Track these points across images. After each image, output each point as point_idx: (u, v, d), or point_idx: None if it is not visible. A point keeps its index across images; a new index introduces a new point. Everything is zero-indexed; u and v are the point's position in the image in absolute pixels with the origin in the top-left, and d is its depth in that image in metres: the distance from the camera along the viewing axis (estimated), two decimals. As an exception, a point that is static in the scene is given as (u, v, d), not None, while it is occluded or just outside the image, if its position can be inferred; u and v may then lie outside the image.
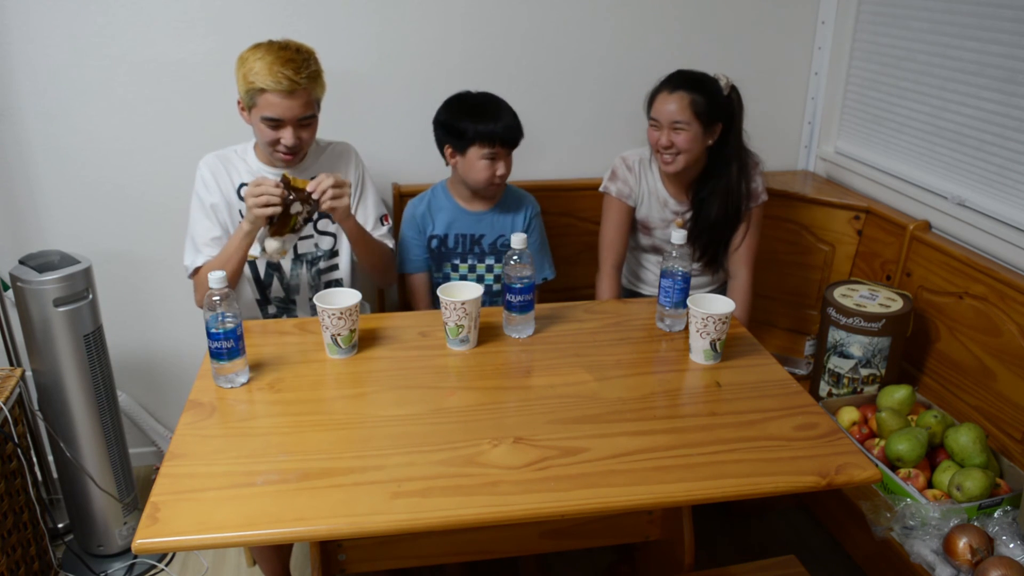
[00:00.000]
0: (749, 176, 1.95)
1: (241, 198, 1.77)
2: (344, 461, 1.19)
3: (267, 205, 1.54)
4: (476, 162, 1.81)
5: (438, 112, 1.86)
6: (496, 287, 1.97)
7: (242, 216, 1.77)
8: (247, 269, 1.82)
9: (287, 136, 1.65)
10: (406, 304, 2.31)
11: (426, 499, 1.11)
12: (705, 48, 2.28)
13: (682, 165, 1.86)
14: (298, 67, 1.60)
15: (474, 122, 1.78)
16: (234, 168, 1.78)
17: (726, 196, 1.93)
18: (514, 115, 1.82)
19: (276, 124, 1.64)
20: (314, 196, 1.57)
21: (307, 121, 1.67)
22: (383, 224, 1.89)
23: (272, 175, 1.78)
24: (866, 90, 2.27)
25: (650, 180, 2.00)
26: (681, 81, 1.83)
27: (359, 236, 1.75)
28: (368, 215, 1.86)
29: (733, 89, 1.90)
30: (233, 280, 1.71)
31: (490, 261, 1.95)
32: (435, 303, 2.06)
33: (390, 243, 1.90)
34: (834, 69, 2.36)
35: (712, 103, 1.82)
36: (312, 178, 1.59)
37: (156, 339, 2.29)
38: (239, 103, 1.70)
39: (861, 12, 2.25)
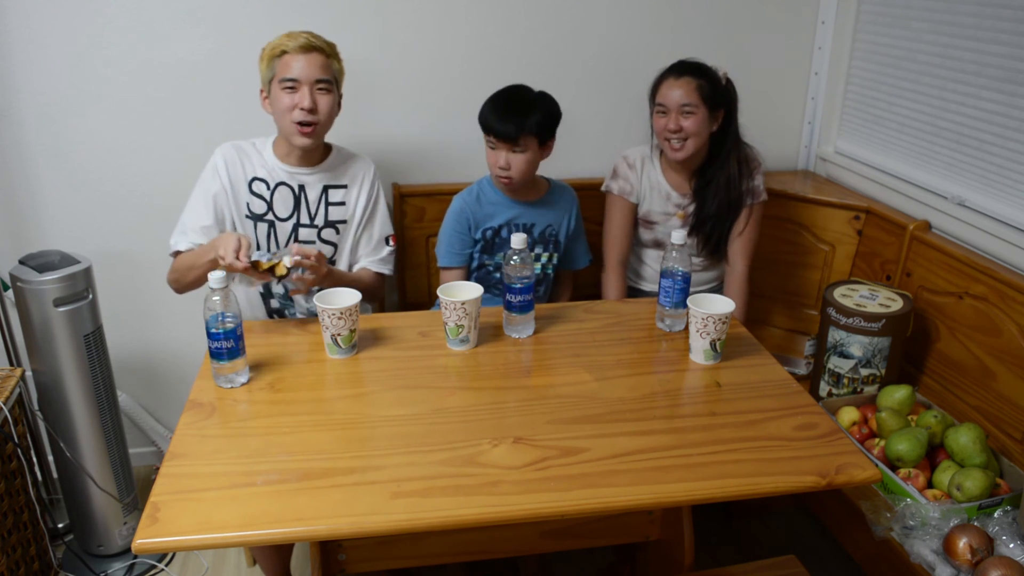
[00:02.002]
0: (750, 171, 1.98)
1: (253, 192, 1.77)
2: (344, 461, 1.19)
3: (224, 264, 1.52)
4: (486, 146, 1.86)
5: None
6: (547, 271, 2.03)
7: (249, 210, 1.77)
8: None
9: (304, 98, 1.66)
10: (406, 304, 2.31)
11: (426, 499, 1.11)
12: (706, 48, 2.27)
13: (691, 150, 1.90)
14: (316, 36, 1.69)
15: (487, 110, 1.83)
16: (249, 161, 1.78)
17: (727, 186, 1.96)
18: (524, 116, 1.80)
19: (293, 87, 1.66)
20: (291, 275, 1.57)
21: (324, 86, 1.69)
22: (388, 244, 1.90)
23: (285, 172, 1.77)
24: (866, 90, 2.27)
25: (652, 175, 2.02)
26: (685, 68, 1.89)
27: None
28: (372, 235, 1.88)
29: (728, 80, 1.95)
30: (191, 287, 1.74)
31: (538, 250, 1.98)
32: None
33: (388, 267, 1.91)
34: (834, 69, 2.36)
35: (715, 89, 1.88)
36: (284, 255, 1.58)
37: (156, 339, 2.29)
38: (262, 92, 1.73)
39: (861, 12, 2.25)
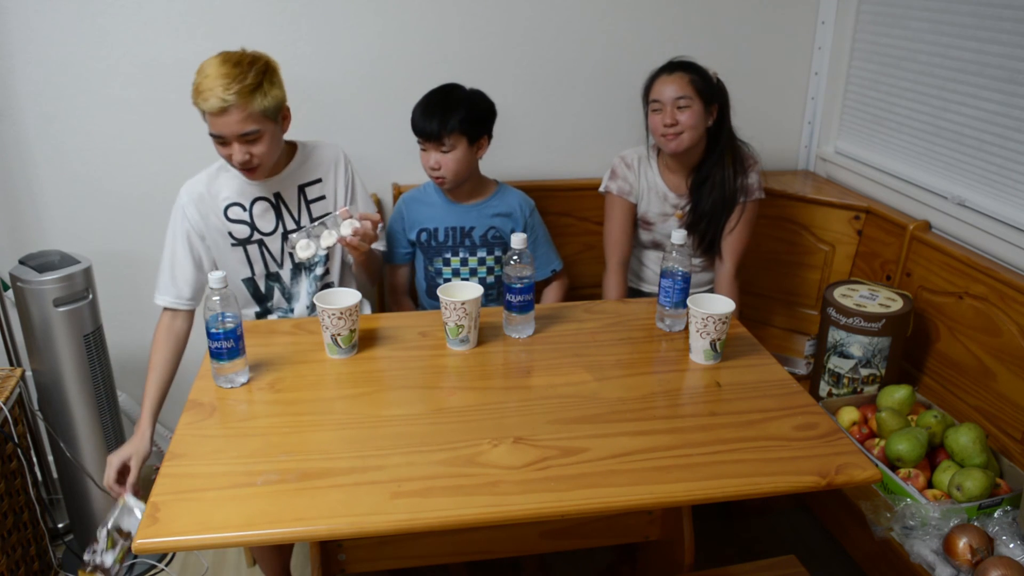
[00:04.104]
0: (744, 169, 1.97)
1: (231, 219, 1.72)
2: (344, 461, 1.19)
3: None
4: (419, 148, 1.86)
5: None
6: (489, 279, 1.98)
7: (233, 237, 1.73)
8: (244, 287, 1.80)
9: (236, 153, 1.59)
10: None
11: (426, 499, 1.11)
12: (705, 48, 2.27)
13: (686, 143, 1.89)
14: (228, 84, 1.53)
15: (414, 111, 1.84)
16: (217, 190, 1.72)
17: (722, 185, 1.95)
18: (445, 114, 1.79)
19: (222, 141, 1.60)
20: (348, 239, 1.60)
21: (252, 136, 1.59)
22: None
23: (257, 187, 1.72)
24: (866, 90, 2.27)
25: (649, 175, 2.01)
26: (676, 65, 1.91)
27: (366, 263, 1.76)
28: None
29: (719, 79, 1.94)
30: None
31: (482, 253, 1.96)
32: (413, 298, 2.06)
33: (382, 243, 1.92)
34: (834, 69, 2.37)
35: (708, 82, 1.89)
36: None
37: (156, 339, 2.29)
38: None
39: (861, 12, 2.25)
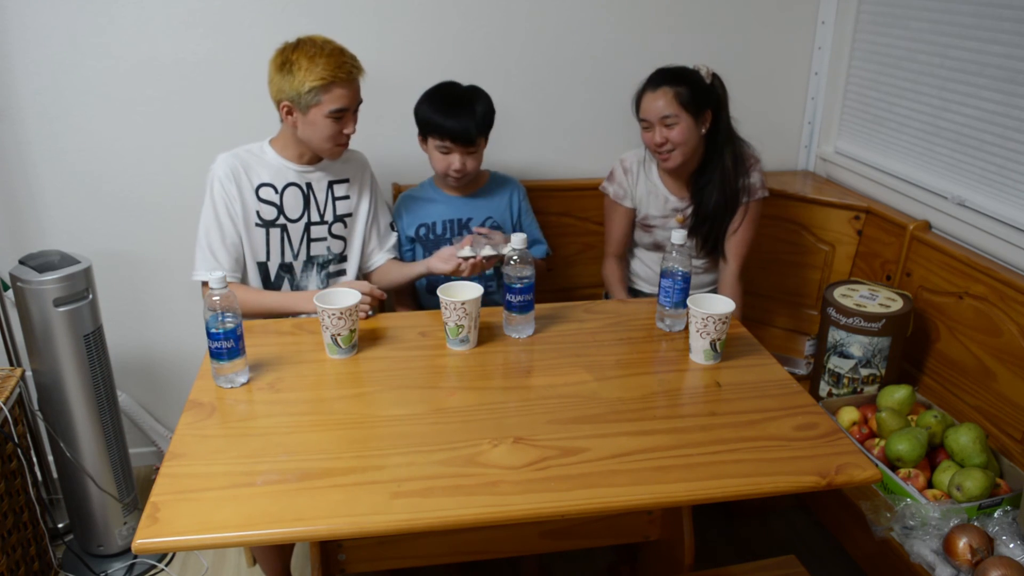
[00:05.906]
0: (746, 169, 1.96)
1: (261, 199, 1.75)
2: (344, 461, 1.19)
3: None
4: (433, 151, 1.87)
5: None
6: (487, 271, 1.97)
7: (260, 218, 1.75)
8: (256, 271, 1.81)
9: (349, 124, 1.70)
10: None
11: (426, 499, 1.11)
12: (705, 48, 2.28)
13: (680, 159, 1.88)
14: (354, 58, 1.68)
15: (433, 114, 1.83)
16: (253, 169, 1.76)
17: (723, 185, 1.94)
18: (474, 115, 1.81)
19: (341, 115, 1.68)
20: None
21: (357, 108, 1.73)
22: (393, 231, 1.96)
23: (294, 172, 1.78)
24: (866, 90, 2.27)
25: (649, 179, 2.01)
26: (662, 78, 1.87)
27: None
28: (380, 225, 1.93)
29: (715, 77, 1.91)
30: (257, 314, 1.73)
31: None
32: (414, 294, 2.07)
33: (397, 252, 1.98)
34: (834, 69, 2.37)
35: (696, 92, 1.85)
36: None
37: (156, 339, 2.29)
38: (283, 107, 1.68)
39: (861, 12, 2.25)
